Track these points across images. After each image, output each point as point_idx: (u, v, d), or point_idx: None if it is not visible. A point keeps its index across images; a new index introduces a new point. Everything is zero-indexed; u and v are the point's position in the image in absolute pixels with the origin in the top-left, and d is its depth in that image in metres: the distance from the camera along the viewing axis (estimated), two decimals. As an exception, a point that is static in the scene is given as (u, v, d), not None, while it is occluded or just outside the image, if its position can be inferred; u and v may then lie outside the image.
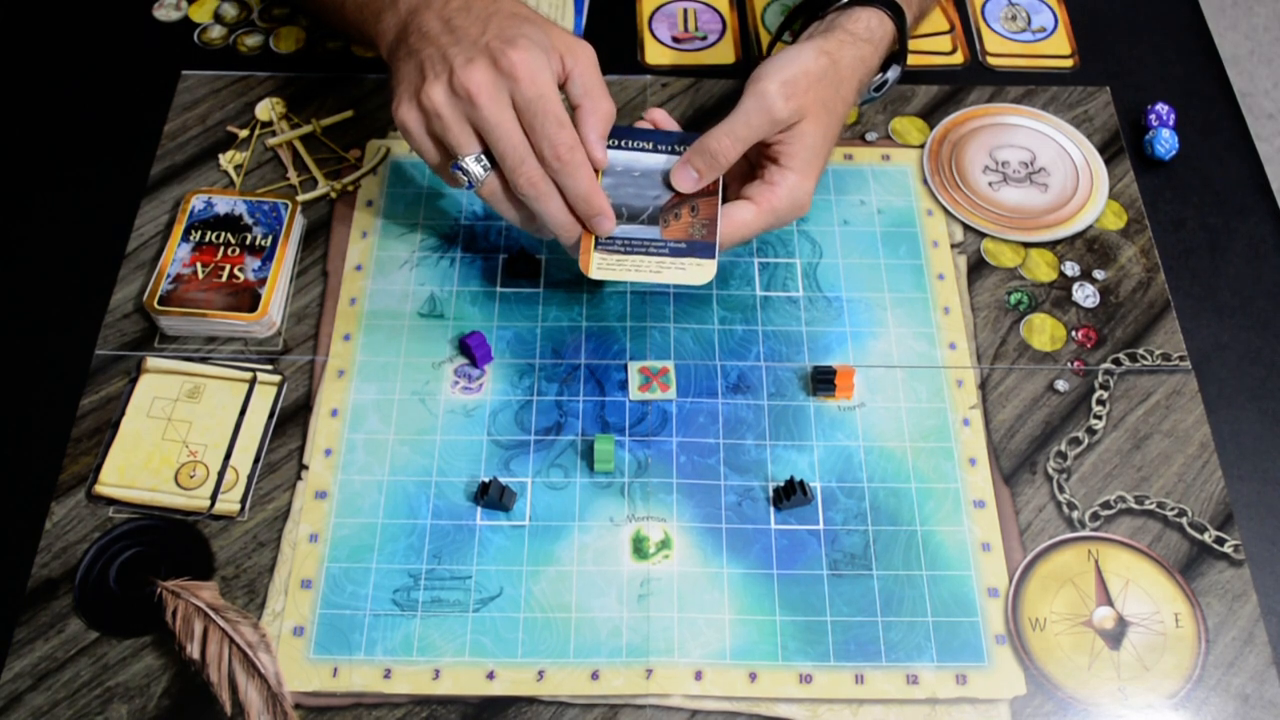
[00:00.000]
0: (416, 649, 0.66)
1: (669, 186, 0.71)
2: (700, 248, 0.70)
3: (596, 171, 0.70)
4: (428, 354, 0.76)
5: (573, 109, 0.70)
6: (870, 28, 0.77)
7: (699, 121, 0.87)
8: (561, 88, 0.69)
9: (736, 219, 0.71)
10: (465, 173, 0.69)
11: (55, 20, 0.93)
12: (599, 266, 0.69)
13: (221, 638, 0.64)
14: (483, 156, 0.69)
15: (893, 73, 0.82)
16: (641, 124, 0.75)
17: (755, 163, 0.74)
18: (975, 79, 0.91)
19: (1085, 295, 0.80)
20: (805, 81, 0.71)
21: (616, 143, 0.72)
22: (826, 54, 0.73)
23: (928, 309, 0.79)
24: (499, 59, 0.66)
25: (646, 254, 0.69)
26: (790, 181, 0.71)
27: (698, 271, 0.69)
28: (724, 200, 0.71)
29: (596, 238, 0.70)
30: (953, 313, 0.79)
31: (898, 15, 0.78)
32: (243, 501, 0.70)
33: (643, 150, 0.72)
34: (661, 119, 0.74)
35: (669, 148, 0.73)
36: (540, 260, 0.80)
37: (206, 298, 0.76)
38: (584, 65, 0.70)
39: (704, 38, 0.94)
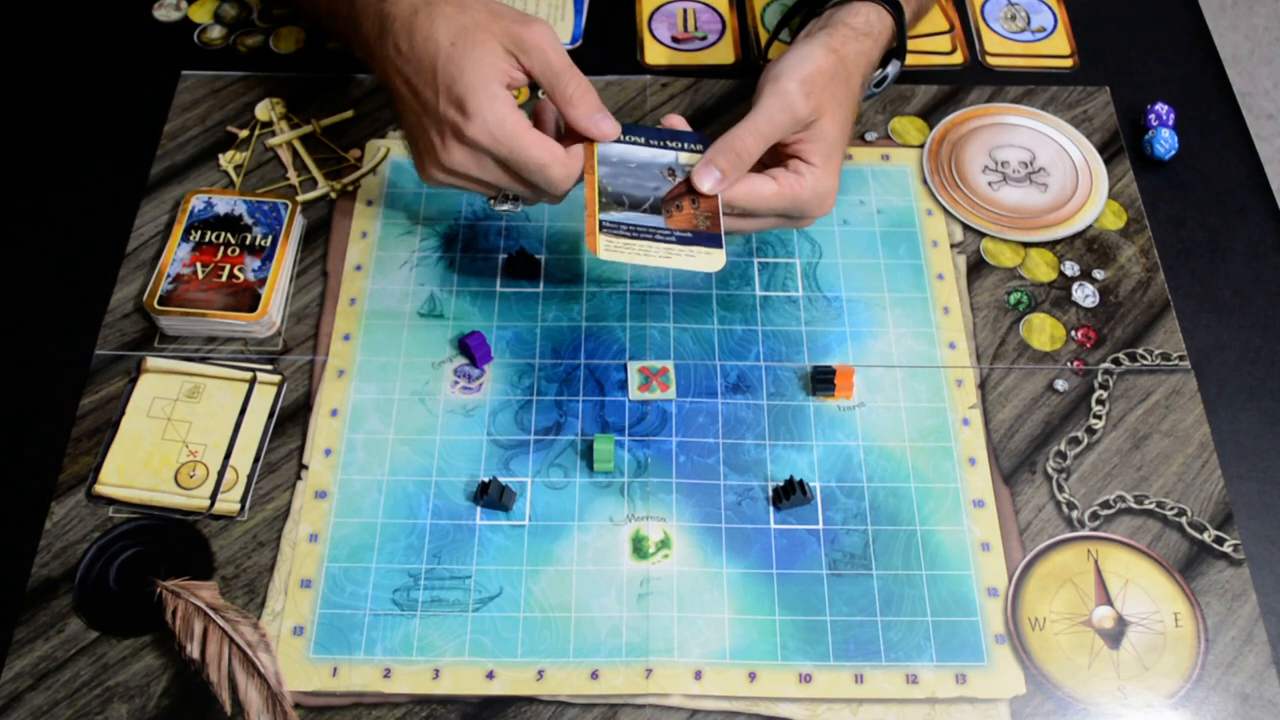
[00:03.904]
0: (416, 649, 0.66)
1: (669, 179, 0.71)
2: (707, 238, 0.69)
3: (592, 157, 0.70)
4: (428, 354, 0.76)
5: (553, 98, 0.70)
6: (870, 22, 0.77)
7: (700, 121, 0.87)
8: (535, 85, 0.70)
9: (753, 187, 0.70)
10: (505, 207, 0.73)
11: (55, 21, 0.94)
12: (606, 247, 0.67)
13: (221, 637, 0.64)
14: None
15: (892, 68, 0.82)
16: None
17: (773, 165, 0.74)
18: (975, 79, 0.91)
19: (1085, 295, 0.80)
20: (821, 79, 0.71)
21: (621, 138, 0.72)
22: (834, 51, 0.73)
23: (927, 309, 0.79)
24: (462, 135, 0.67)
25: (654, 240, 0.68)
26: (815, 175, 0.71)
27: (707, 259, 0.68)
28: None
29: (601, 222, 0.68)
30: (952, 312, 0.79)
31: (896, 10, 0.78)
32: (242, 501, 0.70)
33: (640, 145, 0.72)
34: (678, 124, 0.74)
35: (661, 143, 0.72)
36: (540, 260, 0.80)
37: (206, 298, 0.76)
38: (538, 57, 0.69)
39: (704, 38, 0.94)
